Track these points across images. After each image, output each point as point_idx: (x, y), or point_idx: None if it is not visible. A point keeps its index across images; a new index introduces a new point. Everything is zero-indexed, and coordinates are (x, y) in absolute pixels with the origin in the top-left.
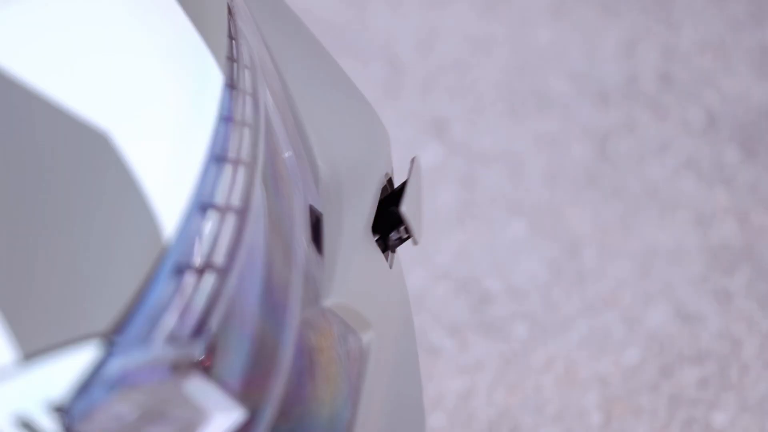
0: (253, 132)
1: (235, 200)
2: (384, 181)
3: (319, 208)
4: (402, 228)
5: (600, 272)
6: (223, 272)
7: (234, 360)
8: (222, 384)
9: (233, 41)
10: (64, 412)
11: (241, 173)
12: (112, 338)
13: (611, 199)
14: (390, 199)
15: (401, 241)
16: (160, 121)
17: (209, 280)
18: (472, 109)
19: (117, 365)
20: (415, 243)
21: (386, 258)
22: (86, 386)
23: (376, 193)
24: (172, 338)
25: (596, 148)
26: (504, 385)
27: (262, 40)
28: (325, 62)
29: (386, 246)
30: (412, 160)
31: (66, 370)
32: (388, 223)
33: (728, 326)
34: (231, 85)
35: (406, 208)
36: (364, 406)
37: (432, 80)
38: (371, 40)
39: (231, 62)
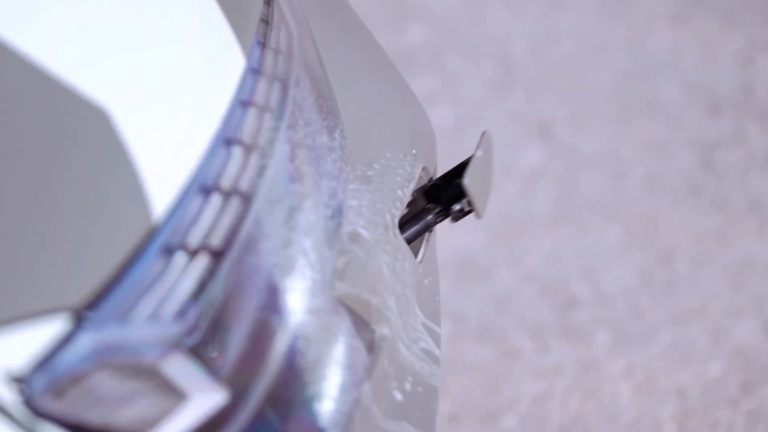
0: (274, 118)
1: (244, 185)
2: (419, 174)
3: (347, 195)
4: (465, 200)
5: (691, 283)
6: (219, 256)
7: (223, 343)
8: (206, 366)
9: (268, 26)
10: (23, 383)
11: (254, 158)
12: (82, 313)
13: (711, 210)
14: (458, 171)
15: (464, 213)
16: (169, 101)
17: (202, 262)
18: (579, 112)
19: (87, 340)
20: (478, 217)
21: (420, 250)
22: (49, 359)
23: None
24: (154, 317)
25: (702, 158)
26: (580, 390)
27: (307, 25)
28: (375, 53)
29: (448, 215)
30: (482, 134)
31: (30, 341)
32: (453, 195)
33: None
34: (257, 70)
35: (468, 180)
36: (367, 404)
37: (543, 81)
38: (486, 39)
39: (261, 47)
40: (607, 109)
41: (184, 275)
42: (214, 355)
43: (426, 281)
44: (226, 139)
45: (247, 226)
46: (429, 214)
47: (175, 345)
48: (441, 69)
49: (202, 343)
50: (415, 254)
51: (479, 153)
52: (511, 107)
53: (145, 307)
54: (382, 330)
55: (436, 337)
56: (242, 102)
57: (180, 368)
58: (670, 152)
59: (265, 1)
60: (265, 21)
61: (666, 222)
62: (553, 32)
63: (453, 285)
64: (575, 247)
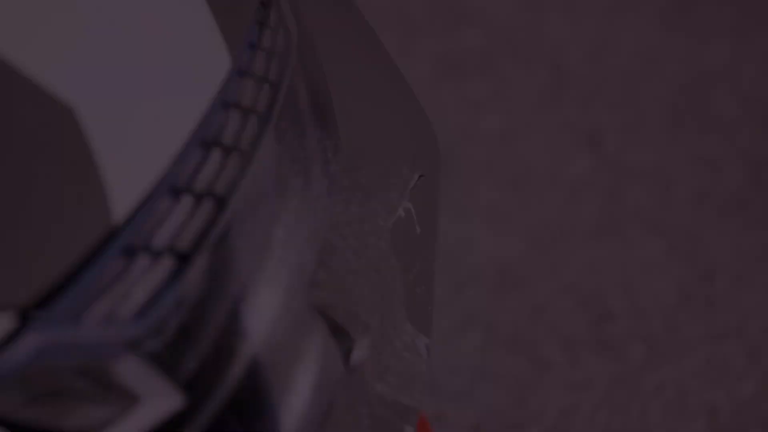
0: (259, 121)
1: (219, 188)
2: (415, 182)
3: (335, 202)
4: None
5: (730, 301)
6: (185, 259)
7: (185, 347)
8: (162, 369)
9: (264, 29)
10: None
11: (233, 161)
12: (30, 311)
13: (757, 227)
14: None
15: None
16: (144, 101)
17: (165, 264)
18: (630, 124)
19: (34, 339)
20: None
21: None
22: None
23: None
24: (110, 319)
25: (751, 174)
26: (609, 405)
27: (309, 29)
28: (380, 59)
29: None
30: None
31: None
32: None
33: None
34: (244, 72)
35: None
36: (339, 417)
37: (595, 91)
38: (540, 45)
39: (252, 48)
40: (659, 121)
41: (146, 277)
42: (173, 358)
43: (418, 290)
44: (203, 141)
45: (219, 230)
46: None
47: (130, 347)
48: (493, 74)
49: (161, 347)
50: (410, 262)
51: None
52: (562, 116)
53: (101, 308)
54: (361, 340)
55: (424, 349)
56: (225, 103)
57: (132, 371)
58: (719, 167)
59: (263, 3)
60: (262, 23)
61: (710, 238)
62: (609, 41)
63: (488, 293)
64: (616, 260)
